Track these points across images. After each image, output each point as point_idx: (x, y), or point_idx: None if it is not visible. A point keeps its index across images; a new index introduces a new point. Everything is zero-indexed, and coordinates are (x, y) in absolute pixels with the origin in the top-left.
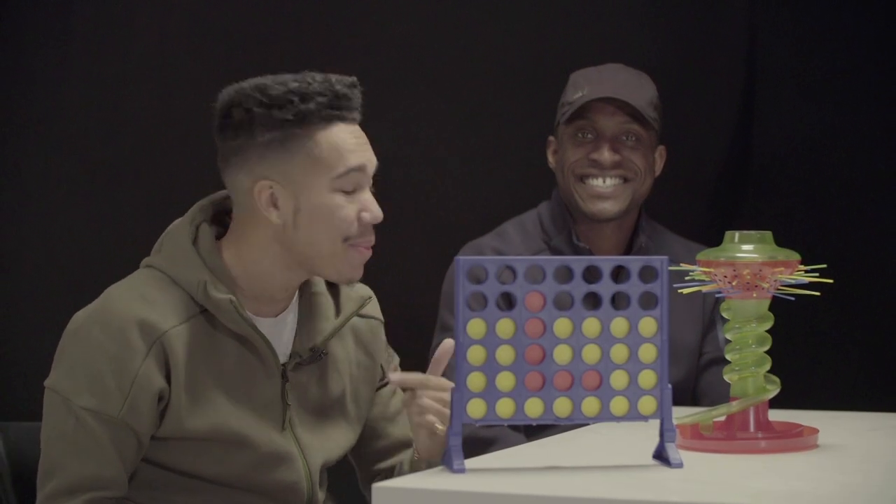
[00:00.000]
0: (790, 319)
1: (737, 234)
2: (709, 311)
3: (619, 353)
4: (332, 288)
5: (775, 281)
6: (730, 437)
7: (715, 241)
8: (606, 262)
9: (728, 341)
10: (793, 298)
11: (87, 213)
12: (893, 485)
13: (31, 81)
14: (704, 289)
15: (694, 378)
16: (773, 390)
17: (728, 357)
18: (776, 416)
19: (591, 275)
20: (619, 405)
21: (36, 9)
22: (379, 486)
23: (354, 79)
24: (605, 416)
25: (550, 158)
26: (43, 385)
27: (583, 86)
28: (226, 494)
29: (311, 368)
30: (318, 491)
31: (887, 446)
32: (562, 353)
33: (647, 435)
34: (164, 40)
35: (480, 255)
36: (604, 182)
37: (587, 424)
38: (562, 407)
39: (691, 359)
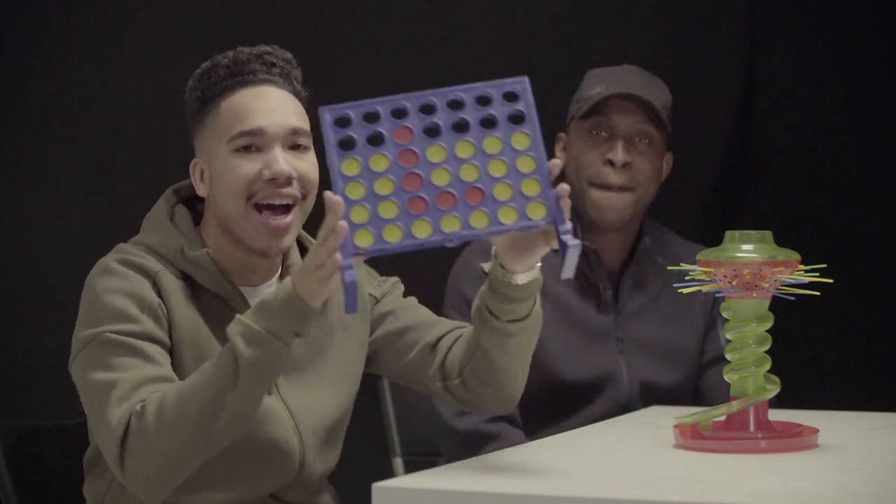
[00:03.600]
0: (790, 319)
1: (737, 234)
2: (708, 312)
3: (497, 167)
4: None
5: (775, 281)
6: (730, 437)
7: (715, 241)
8: (468, 90)
9: (728, 341)
10: (793, 298)
11: (86, 213)
12: (894, 485)
13: (31, 81)
14: (704, 288)
15: (695, 379)
16: (773, 390)
17: (728, 357)
18: (776, 416)
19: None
20: (507, 214)
21: (36, 9)
22: (379, 486)
23: (272, 48)
24: (495, 225)
25: (559, 155)
26: (39, 382)
27: (600, 82)
28: (220, 460)
29: None
30: (313, 455)
31: (888, 446)
32: (440, 177)
33: (646, 435)
34: (163, 40)
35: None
36: (609, 191)
37: (479, 238)
38: (449, 223)
39: (692, 360)
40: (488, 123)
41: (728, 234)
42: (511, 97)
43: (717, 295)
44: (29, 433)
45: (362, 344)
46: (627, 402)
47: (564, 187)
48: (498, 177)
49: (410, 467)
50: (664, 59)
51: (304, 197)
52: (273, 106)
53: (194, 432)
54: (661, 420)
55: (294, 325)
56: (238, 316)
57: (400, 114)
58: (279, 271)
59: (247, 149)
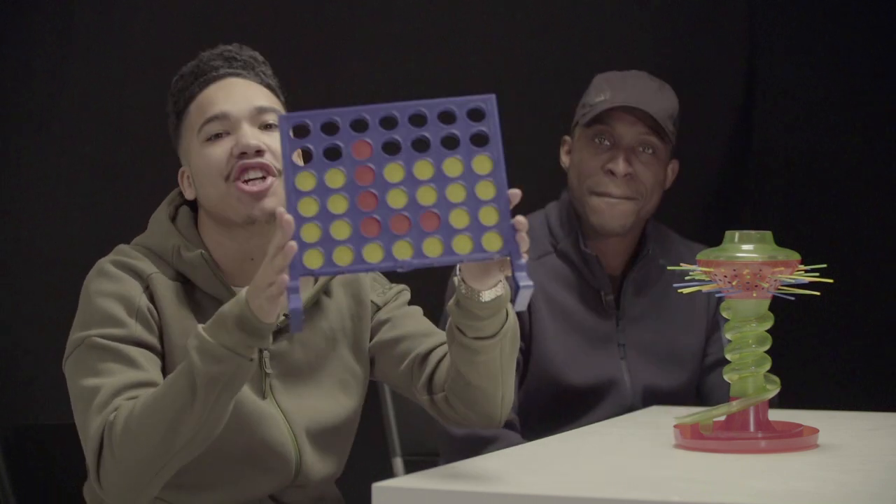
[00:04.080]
0: (790, 319)
1: (737, 234)
2: (711, 314)
3: (455, 192)
4: None
5: (775, 281)
6: (730, 437)
7: (715, 241)
8: (432, 107)
9: (729, 341)
10: (793, 298)
11: (86, 213)
12: (894, 485)
13: (31, 81)
14: (704, 288)
15: (697, 381)
16: (773, 390)
17: (728, 357)
18: (776, 416)
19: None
20: (461, 244)
21: (36, 9)
22: (379, 486)
23: (236, 46)
24: (448, 254)
25: (563, 158)
26: (39, 383)
27: (605, 90)
28: (213, 462)
29: (292, 337)
30: (311, 458)
31: (887, 446)
32: (395, 198)
33: (647, 435)
34: (163, 40)
35: None
36: (611, 198)
37: (432, 266)
38: (401, 250)
39: (694, 362)
40: (450, 143)
41: (728, 234)
42: (476, 115)
43: (717, 295)
44: (29, 433)
45: (362, 350)
46: (630, 407)
47: (521, 220)
48: (455, 202)
49: (410, 467)
50: (664, 60)
51: (279, 171)
52: (235, 92)
53: (157, 446)
54: (661, 420)
55: (249, 340)
56: (198, 327)
57: (360, 126)
58: None
59: (217, 136)
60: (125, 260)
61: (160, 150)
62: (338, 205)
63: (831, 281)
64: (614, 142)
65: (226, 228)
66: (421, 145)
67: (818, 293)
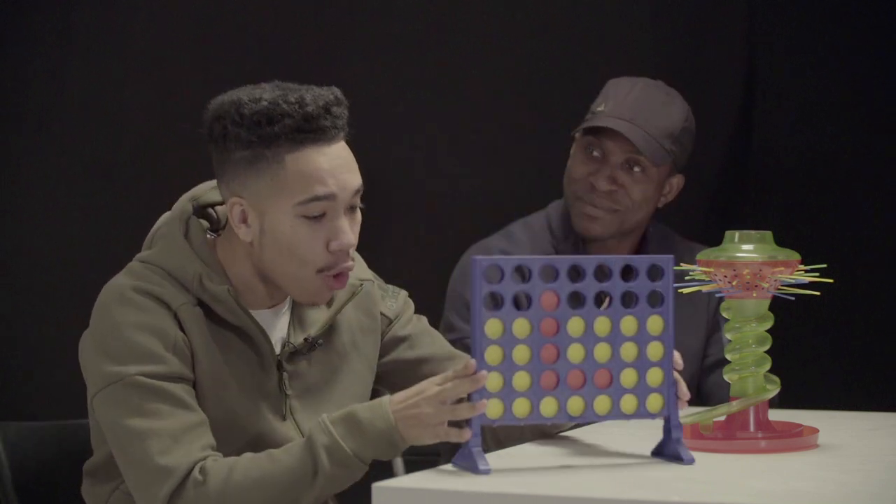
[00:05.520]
0: (790, 319)
1: (737, 234)
2: (712, 314)
3: (628, 351)
4: None
5: (775, 281)
6: (730, 437)
7: (715, 241)
8: (616, 262)
9: (729, 341)
10: (793, 298)
11: (86, 213)
12: (894, 485)
13: (31, 81)
14: (705, 288)
15: (697, 381)
16: (773, 390)
17: (728, 357)
18: (776, 416)
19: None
20: (628, 403)
21: (36, 9)
22: (379, 486)
23: (334, 96)
24: (615, 413)
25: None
26: (39, 382)
27: (608, 100)
28: None
29: (310, 357)
30: None
31: (887, 446)
32: (575, 352)
33: (647, 434)
34: (164, 40)
35: (488, 255)
36: (594, 207)
37: (596, 422)
38: (575, 406)
39: (694, 361)
40: (629, 300)
41: (728, 234)
42: (655, 273)
43: (717, 295)
44: (29, 433)
45: (372, 363)
46: None
47: (685, 391)
48: (628, 362)
49: (410, 467)
50: (664, 60)
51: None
52: (342, 167)
53: None
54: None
55: (382, 453)
56: (325, 420)
57: (548, 273)
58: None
59: (318, 217)
60: (149, 287)
61: (160, 150)
62: (521, 355)
63: (831, 281)
64: (603, 155)
65: (265, 278)
66: (602, 302)
67: (818, 293)
